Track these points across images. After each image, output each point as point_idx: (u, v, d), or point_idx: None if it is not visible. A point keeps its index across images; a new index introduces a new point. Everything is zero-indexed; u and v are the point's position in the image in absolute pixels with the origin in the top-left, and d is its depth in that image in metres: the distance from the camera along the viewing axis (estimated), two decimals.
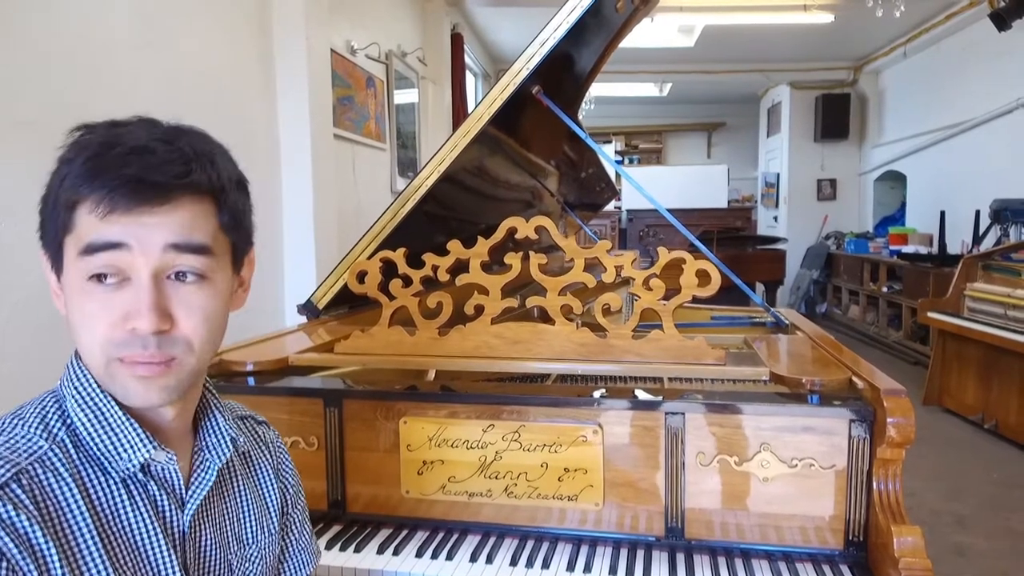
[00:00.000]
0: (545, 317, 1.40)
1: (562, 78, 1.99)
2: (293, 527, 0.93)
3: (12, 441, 0.65)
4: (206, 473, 0.76)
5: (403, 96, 4.74)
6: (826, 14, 6.00)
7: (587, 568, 1.13)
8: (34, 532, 0.60)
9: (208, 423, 0.79)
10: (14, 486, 0.61)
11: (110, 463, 0.68)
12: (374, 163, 4.26)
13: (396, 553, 1.18)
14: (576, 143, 2.69)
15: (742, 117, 10.18)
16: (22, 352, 1.75)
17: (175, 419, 0.73)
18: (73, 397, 0.69)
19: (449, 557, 1.17)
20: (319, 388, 1.33)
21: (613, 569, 1.13)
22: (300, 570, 0.93)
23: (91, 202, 0.63)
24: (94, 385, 0.68)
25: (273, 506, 0.88)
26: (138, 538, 0.68)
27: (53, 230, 0.66)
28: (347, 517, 1.29)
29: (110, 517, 0.67)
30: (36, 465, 0.63)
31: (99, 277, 0.65)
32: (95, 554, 0.64)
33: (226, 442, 0.78)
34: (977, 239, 5.25)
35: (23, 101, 1.77)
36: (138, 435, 0.68)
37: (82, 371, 0.69)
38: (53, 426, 0.68)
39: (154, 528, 0.69)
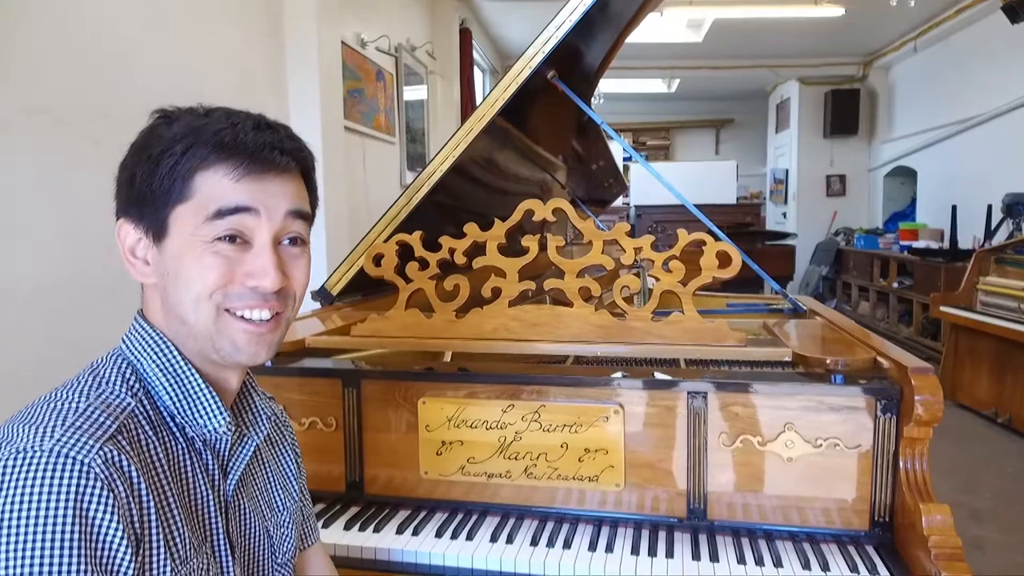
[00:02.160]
0: (558, 302, 1.39)
1: (574, 69, 1.97)
2: (303, 497, 0.97)
3: (104, 396, 0.67)
4: (245, 447, 0.79)
5: (412, 92, 4.74)
6: (836, 8, 5.96)
7: (609, 548, 1.12)
8: (139, 482, 0.63)
9: (247, 400, 0.83)
10: (120, 438, 0.63)
11: (188, 427, 0.72)
12: (383, 156, 4.25)
13: (415, 533, 1.17)
14: (584, 137, 2.68)
15: (751, 113, 10.14)
16: (37, 339, 1.75)
17: (235, 390, 0.79)
18: (153, 361, 0.72)
19: (469, 537, 1.16)
20: (337, 368, 1.32)
21: (635, 550, 1.12)
22: (310, 535, 0.99)
23: (225, 167, 0.69)
24: (174, 351, 0.72)
25: (292, 476, 0.92)
26: (199, 501, 0.72)
27: (160, 201, 0.69)
28: (365, 498, 1.28)
29: (181, 477, 0.70)
30: (130, 420, 0.67)
31: (223, 239, 0.70)
32: (176, 511, 0.67)
33: (263, 420, 0.83)
34: (989, 233, 5.21)
35: (39, 90, 1.77)
36: (216, 404, 0.73)
37: (160, 337, 0.72)
38: (133, 385, 0.70)
39: (209, 492, 0.73)
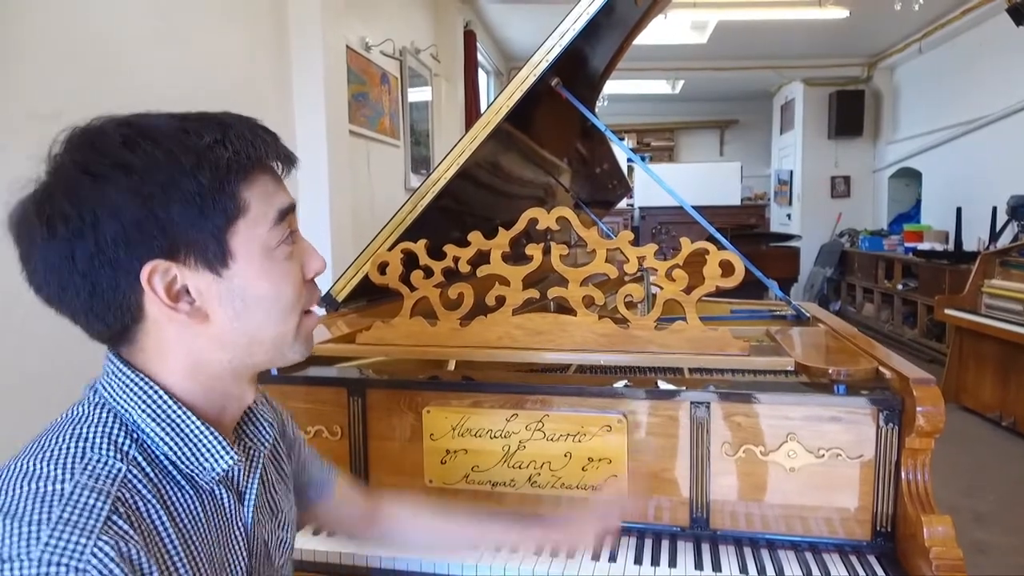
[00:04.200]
0: (561, 309, 1.40)
1: (578, 75, 1.98)
2: (313, 458, 0.97)
3: (91, 468, 0.60)
4: (256, 462, 0.76)
5: (417, 94, 4.74)
6: (841, 10, 5.95)
7: (612, 558, 1.13)
8: (142, 561, 0.57)
9: (250, 409, 0.79)
10: (116, 518, 0.57)
11: (195, 476, 0.67)
12: (388, 160, 4.26)
13: None
14: (588, 140, 2.68)
15: (755, 114, 10.13)
16: (43, 345, 1.76)
17: (250, 400, 0.76)
18: (143, 410, 0.65)
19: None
20: (343, 377, 1.33)
21: (638, 559, 1.13)
22: (330, 483, 1.00)
23: (267, 174, 0.68)
24: (164, 396, 0.66)
25: (287, 469, 0.88)
26: (214, 545, 0.68)
27: (216, 225, 0.64)
28: None
29: (189, 530, 0.65)
30: (123, 490, 0.60)
31: (287, 242, 0.69)
32: (189, 571, 0.63)
33: (266, 428, 0.80)
34: (994, 236, 5.20)
35: (45, 96, 1.78)
36: (220, 443, 0.68)
37: (145, 381, 0.66)
38: (122, 444, 0.64)
39: (226, 530, 0.70)
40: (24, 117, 1.73)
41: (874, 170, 8.41)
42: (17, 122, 1.71)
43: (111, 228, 0.60)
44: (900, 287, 6.33)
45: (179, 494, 0.66)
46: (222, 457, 0.67)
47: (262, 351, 0.70)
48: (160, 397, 0.66)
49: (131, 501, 0.60)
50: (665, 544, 1.16)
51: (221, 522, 0.69)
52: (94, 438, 0.63)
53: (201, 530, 0.66)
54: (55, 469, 0.59)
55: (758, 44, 7.27)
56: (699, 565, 1.11)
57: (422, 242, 1.43)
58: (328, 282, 1.88)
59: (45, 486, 0.57)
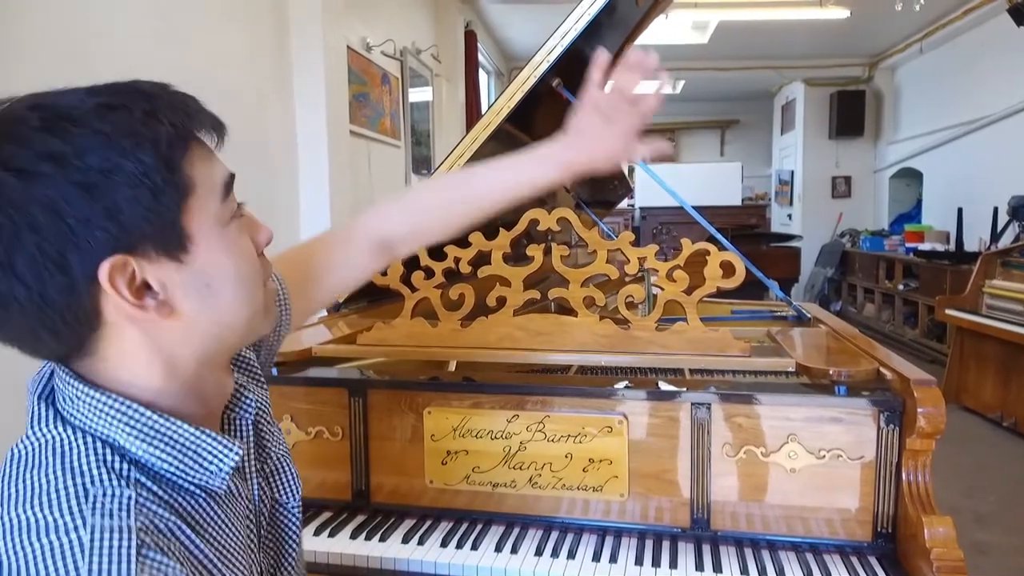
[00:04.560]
0: (562, 310, 1.40)
1: (579, 75, 1.97)
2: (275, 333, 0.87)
3: (100, 505, 0.53)
4: (245, 431, 0.72)
5: (417, 94, 4.75)
6: (842, 10, 5.95)
7: (613, 559, 1.13)
8: None
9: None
10: (145, 551, 0.52)
11: (206, 484, 0.61)
12: (389, 160, 4.27)
13: (421, 543, 1.18)
14: None
15: (756, 114, 10.13)
16: None
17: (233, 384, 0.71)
18: (127, 432, 0.58)
19: (474, 547, 1.17)
20: (344, 378, 1.34)
21: (639, 560, 1.13)
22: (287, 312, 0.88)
23: (202, 145, 0.61)
24: (142, 410, 0.59)
25: (275, 427, 0.81)
26: (238, 536, 0.65)
27: (168, 209, 0.57)
28: (371, 507, 1.29)
29: (215, 535, 0.61)
30: (142, 519, 0.54)
31: (237, 215, 0.63)
32: (223, 572, 0.60)
33: (247, 396, 0.72)
34: (995, 236, 5.19)
35: None
36: (218, 442, 0.62)
37: (116, 399, 0.58)
38: (120, 469, 0.57)
39: (240, 514, 0.67)
40: None
41: (875, 170, 8.40)
42: None
43: (53, 227, 0.52)
44: (901, 287, 6.33)
45: (194, 503, 0.61)
46: (227, 456, 0.62)
47: (234, 334, 0.65)
48: (139, 412, 0.58)
49: (153, 527, 0.55)
50: (666, 545, 1.16)
51: (235, 507, 0.66)
52: (90, 470, 0.55)
53: (225, 529, 0.63)
54: (62, 516, 0.51)
55: (759, 44, 7.27)
56: (700, 566, 1.11)
57: None
58: None
59: (59, 539, 0.50)
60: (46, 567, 0.49)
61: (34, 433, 0.58)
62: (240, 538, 0.65)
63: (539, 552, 1.15)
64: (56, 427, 0.58)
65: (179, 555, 0.55)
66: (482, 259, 1.40)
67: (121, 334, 0.58)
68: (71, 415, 0.59)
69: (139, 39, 2.13)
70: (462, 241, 1.41)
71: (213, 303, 0.61)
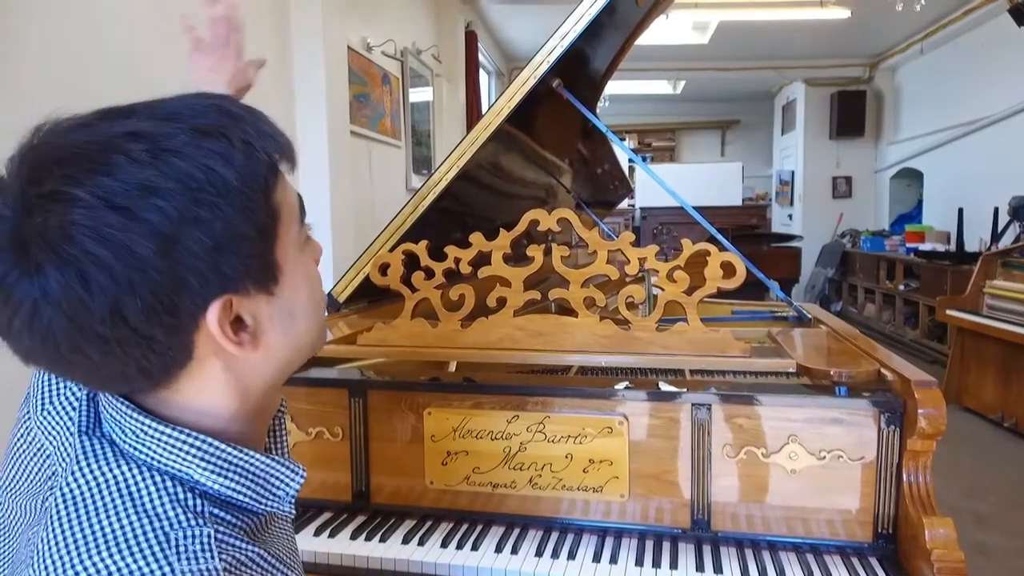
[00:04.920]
0: (563, 310, 1.40)
1: (580, 75, 1.98)
2: None
3: (183, 549, 0.51)
4: (280, 430, 0.73)
5: (418, 94, 4.75)
6: (842, 10, 5.95)
7: (613, 559, 1.13)
8: None
9: None
10: None
11: (277, 508, 0.61)
12: (389, 160, 4.27)
13: (421, 543, 1.18)
14: (590, 140, 2.68)
15: (756, 115, 10.13)
16: None
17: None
18: (202, 468, 0.56)
19: (474, 548, 1.17)
20: (344, 379, 1.33)
21: (639, 561, 1.12)
22: None
23: (278, 175, 0.58)
24: (216, 443, 0.57)
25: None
26: (291, 545, 0.65)
27: (266, 242, 0.55)
28: (371, 508, 1.29)
29: (285, 553, 0.62)
30: (225, 556, 0.53)
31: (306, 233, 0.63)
32: None
33: (283, 399, 0.74)
34: (996, 236, 5.19)
35: (43, 98, 1.78)
36: (286, 467, 0.61)
37: (194, 436, 0.56)
38: (195, 505, 0.54)
39: (288, 519, 0.67)
40: (25, 118, 1.73)
41: (876, 170, 8.40)
42: (19, 123, 1.71)
43: (164, 271, 0.49)
44: (902, 288, 6.33)
45: (255, 520, 0.60)
46: (294, 480, 0.62)
47: (302, 356, 0.64)
48: (212, 445, 0.56)
49: (236, 562, 0.53)
50: (666, 546, 1.16)
51: (283, 515, 0.66)
52: (166, 512, 0.52)
53: (282, 537, 0.63)
54: (147, 564, 0.49)
55: (759, 44, 7.27)
56: (700, 567, 1.10)
57: (423, 243, 1.43)
58: (329, 283, 1.88)
59: None
60: None
61: (91, 472, 0.54)
62: (292, 542, 0.66)
63: (539, 553, 1.15)
64: (119, 466, 0.54)
65: None
66: (482, 259, 1.40)
67: (204, 368, 0.56)
68: (135, 449, 0.55)
69: (140, 39, 2.13)
70: (462, 242, 1.42)
71: (293, 331, 0.60)
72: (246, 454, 0.58)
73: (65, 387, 0.63)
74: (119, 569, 0.48)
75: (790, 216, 9.08)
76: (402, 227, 1.69)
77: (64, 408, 0.61)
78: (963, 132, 6.27)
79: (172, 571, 0.49)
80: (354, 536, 1.21)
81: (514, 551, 1.16)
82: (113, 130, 0.50)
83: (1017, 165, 5.42)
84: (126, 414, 0.56)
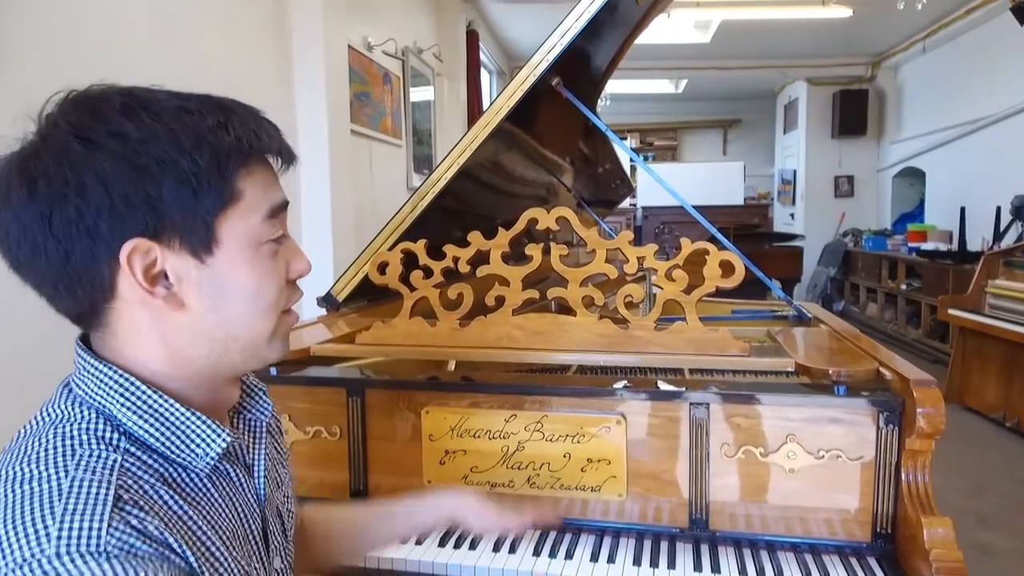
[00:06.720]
0: (562, 309, 1.39)
1: (580, 74, 1.97)
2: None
3: (83, 462, 0.56)
4: (260, 433, 0.76)
5: (419, 93, 4.74)
6: (844, 9, 5.94)
7: (611, 559, 1.13)
8: (167, 538, 0.55)
9: (245, 384, 0.78)
10: (123, 504, 0.54)
11: (190, 464, 0.64)
12: (390, 159, 4.26)
13: (419, 543, 1.18)
14: (591, 139, 2.68)
15: (758, 114, 10.11)
16: (48, 347, 1.76)
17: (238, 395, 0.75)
18: (121, 404, 0.62)
19: (472, 547, 1.17)
20: (342, 377, 1.33)
21: (637, 560, 1.12)
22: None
23: (266, 166, 0.67)
24: (140, 385, 0.63)
25: (282, 444, 0.87)
26: (233, 520, 0.66)
27: (207, 208, 0.61)
28: None
29: (205, 507, 0.63)
30: (124, 478, 0.57)
31: (277, 239, 0.67)
32: (216, 547, 0.61)
33: (265, 398, 0.79)
34: (998, 236, 5.18)
35: (43, 98, 1.78)
36: (208, 426, 0.65)
37: (119, 373, 0.63)
38: (111, 438, 0.60)
39: (241, 504, 0.69)
40: (25, 118, 1.73)
41: (878, 170, 8.39)
42: (19, 122, 1.71)
43: (97, 196, 0.58)
44: (904, 287, 6.31)
45: (184, 475, 0.63)
46: (214, 440, 0.64)
47: (237, 348, 0.66)
48: (136, 387, 0.62)
49: (135, 487, 0.57)
50: (664, 545, 1.16)
51: (235, 496, 0.68)
52: (79, 435, 0.59)
53: (217, 506, 0.64)
54: (45, 469, 0.55)
55: (761, 43, 7.26)
56: (698, 566, 1.10)
57: (422, 242, 1.43)
58: (329, 282, 1.88)
59: (39, 486, 0.54)
60: (23, 509, 0.53)
61: (43, 410, 0.63)
62: (237, 525, 0.67)
63: (537, 552, 1.15)
64: (61, 404, 0.63)
65: (163, 516, 0.57)
66: (481, 258, 1.40)
67: (132, 313, 0.63)
68: (77, 386, 0.63)
69: (141, 39, 2.13)
70: (462, 240, 1.41)
71: (222, 310, 0.64)
72: (166, 400, 0.63)
73: None
74: (23, 473, 0.55)
75: (792, 215, 9.07)
76: (401, 226, 1.69)
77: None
78: (965, 131, 6.26)
79: (66, 475, 0.55)
80: None
81: (512, 550, 1.16)
82: (119, 90, 0.62)
83: (1020, 164, 5.41)
84: (79, 352, 0.65)
